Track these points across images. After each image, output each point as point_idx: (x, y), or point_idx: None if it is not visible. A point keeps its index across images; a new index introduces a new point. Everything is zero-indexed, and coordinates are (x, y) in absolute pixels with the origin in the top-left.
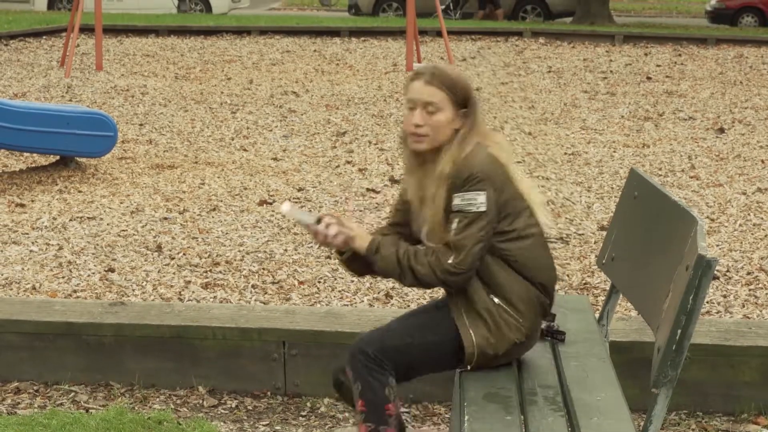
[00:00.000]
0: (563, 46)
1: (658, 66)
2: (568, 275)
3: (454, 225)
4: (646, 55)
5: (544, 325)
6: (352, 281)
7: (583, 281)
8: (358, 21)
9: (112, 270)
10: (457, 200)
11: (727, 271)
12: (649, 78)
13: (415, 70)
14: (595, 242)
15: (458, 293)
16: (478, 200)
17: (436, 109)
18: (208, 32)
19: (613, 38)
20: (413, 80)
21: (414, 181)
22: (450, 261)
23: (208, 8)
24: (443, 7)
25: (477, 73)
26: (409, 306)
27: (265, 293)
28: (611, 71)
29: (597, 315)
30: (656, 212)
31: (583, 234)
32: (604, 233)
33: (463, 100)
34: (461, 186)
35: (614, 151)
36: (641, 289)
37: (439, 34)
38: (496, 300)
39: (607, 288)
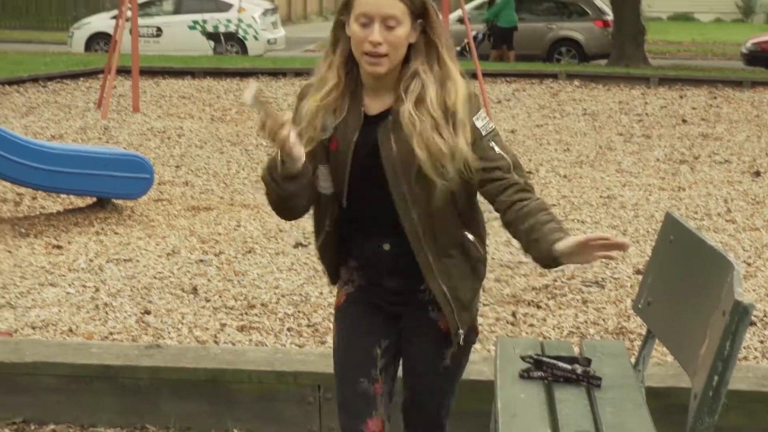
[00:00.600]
0: (598, 88)
1: (694, 109)
2: (603, 319)
3: (497, 148)
4: (681, 97)
5: (579, 369)
6: None
7: (619, 325)
8: None
9: (148, 312)
10: (480, 122)
11: (764, 316)
12: (684, 121)
13: None
14: (630, 286)
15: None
16: (487, 117)
17: (397, 23)
18: (243, 74)
19: (648, 81)
20: None
21: (354, 116)
22: (527, 179)
23: (244, 50)
24: (458, 48)
25: (512, 115)
26: None
27: (301, 336)
28: (646, 114)
29: (633, 360)
30: (692, 257)
31: (618, 278)
32: (640, 277)
33: (420, 10)
34: (474, 108)
35: (650, 195)
36: (678, 334)
37: (474, 75)
38: (473, 239)
39: (644, 332)
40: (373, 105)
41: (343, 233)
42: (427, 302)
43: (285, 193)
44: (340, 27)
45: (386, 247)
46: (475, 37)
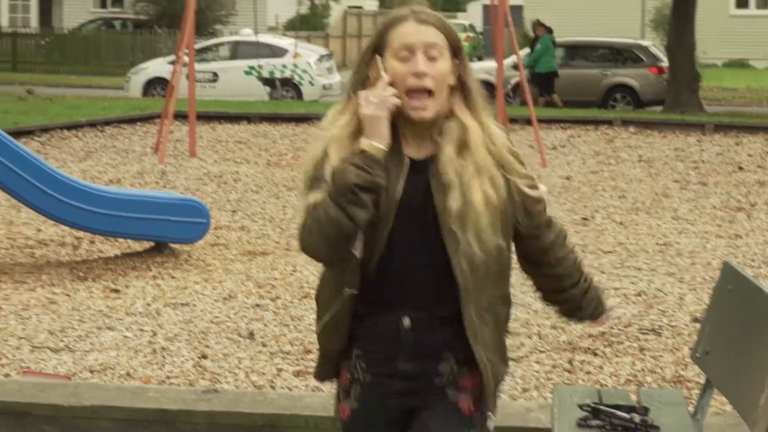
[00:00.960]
0: (654, 134)
1: (750, 156)
2: (661, 367)
3: (546, 214)
4: (737, 144)
5: (638, 418)
6: None
7: (677, 374)
8: None
9: (204, 357)
10: (524, 183)
11: None
12: (740, 168)
13: (389, 15)
14: (688, 334)
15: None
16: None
17: (439, 54)
18: (299, 119)
19: (703, 127)
20: (397, 24)
21: (395, 162)
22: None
23: (300, 95)
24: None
25: (567, 162)
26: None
27: None
28: (702, 161)
29: (691, 409)
30: (751, 306)
31: (675, 325)
32: (698, 325)
33: (457, 46)
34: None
35: (706, 242)
36: (736, 383)
37: (528, 121)
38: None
39: (702, 381)
40: (414, 152)
41: (356, 311)
42: (444, 385)
43: (355, 210)
44: (364, 67)
45: (406, 322)
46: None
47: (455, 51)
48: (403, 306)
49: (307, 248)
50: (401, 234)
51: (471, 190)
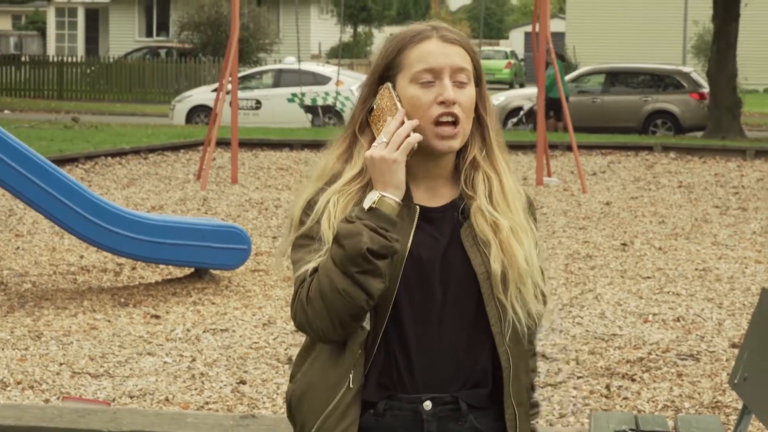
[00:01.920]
0: (694, 160)
1: None
2: (698, 393)
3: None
4: None
5: None
6: None
7: (715, 400)
8: None
9: (243, 382)
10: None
11: None
12: None
13: (404, 32)
14: (726, 360)
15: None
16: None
17: (468, 80)
18: None
19: (744, 153)
20: (416, 43)
21: (404, 211)
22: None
23: (342, 122)
24: (515, 120)
25: (607, 187)
26: None
27: None
28: (743, 186)
29: None
30: None
31: (714, 351)
32: (736, 351)
33: (478, 74)
34: (537, 222)
35: (746, 267)
36: None
37: (569, 147)
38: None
39: (740, 407)
40: (426, 198)
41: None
42: None
43: (370, 281)
44: (372, 97)
45: (428, 406)
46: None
47: (478, 78)
48: (424, 384)
49: (305, 324)
50: (407, 299)
51: (512, 249)
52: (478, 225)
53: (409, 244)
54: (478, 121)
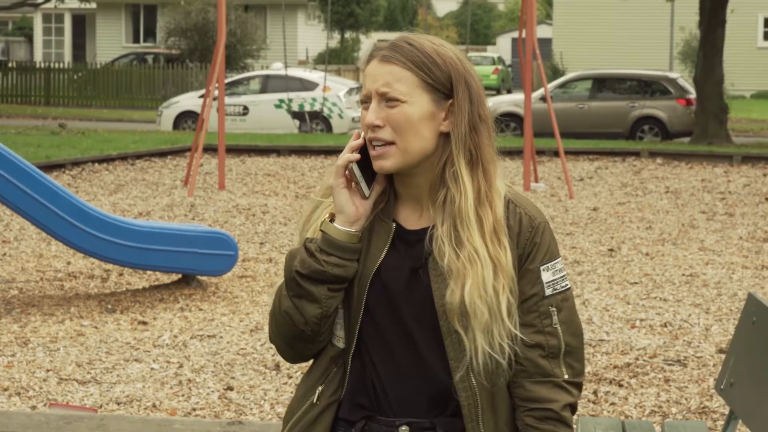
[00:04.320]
0: (681, 166)
1: None
2: (686, 399)
3: (555, 318)
4: (765, 175)
5: None
6: None
7: (702, 405)
8: None
9: (230, 388)
10: (549, 274)
11: None
12: (767, 199)
13: (373, 46)
14: (713, 365)
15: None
16: (563, 269)
17: (401, 98)
18: (328, 152)
19: (731, 159)
20: (368, 63)
21: (381, 226)
22: (575, 379)
23: (329, 128)
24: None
25: (594, 193)
26: None
27: None
28: (729, 192)
29: None
30: None
31: (701, 356)
32: (723, 356)
33: (446, 85)
34: (541, 250)
35: (733, 273)
36: (760, 415)
37: (556, 153)
38: None
39: (727, 413)
40: (408, 219)
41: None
42: None
43: (304, 305)
44: None
45: (404, 430)
46: None
47: (446, 91)
48: (399, 408)
49: (272, 341)
50: (372, 323)
51: (463, 280)
52: (438, 253)
53: (377, 265)
54: (456, 133)
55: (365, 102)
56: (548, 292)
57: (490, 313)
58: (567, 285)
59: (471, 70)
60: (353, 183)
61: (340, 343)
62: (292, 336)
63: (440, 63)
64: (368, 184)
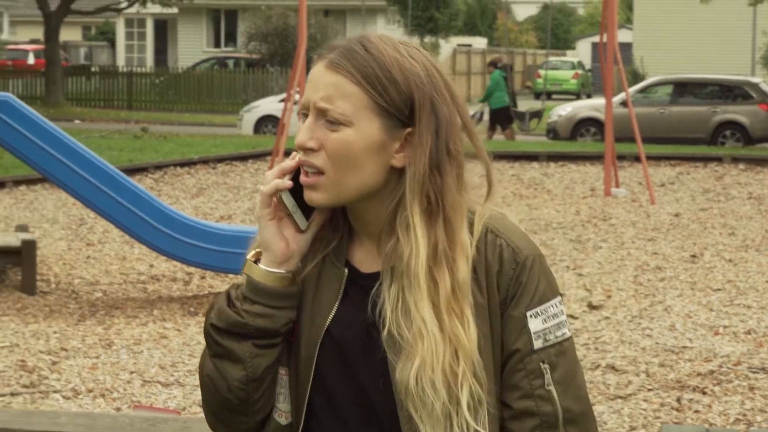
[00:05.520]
0: (764, 171)
1: None
2: None
3: (547, 377)
4: None
5: None
6: None
7: None
8: (556, 145)
9: None
10: (537, 323)
11: None
12: None
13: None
14: None
15: None
16: (560, 313)
17: (343, 120)
18: None
19: None
20: (316, 63)
21: (331, 270)
22: None
23: None
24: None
25: (676, 199)
26: None
27: None
28: None
29: None
30: None
31: None
32: None
33: (405, 107)
34: (528, 291)
35: None
36: None
37: (637, 158)
38: None
39: None
40: (367, 261)
41: None
42: None
43: (225, 366)
44: None
45: None
46: (472, 116)
47: (404, 115)
48: None
49: (205, 414)
50: (324, 389)
51: (416, 360)
52: (381, 320)
53: (329, 320)
54: (413, 170)
55: (304, 113)
56: (538, 344)
57: (444, 407)
58: (565, 334)
59: (444, 90)
60: (285, 213)
61: (284, 419)
62: (217, 405)
63: (400, 80)
64: (306, 213)
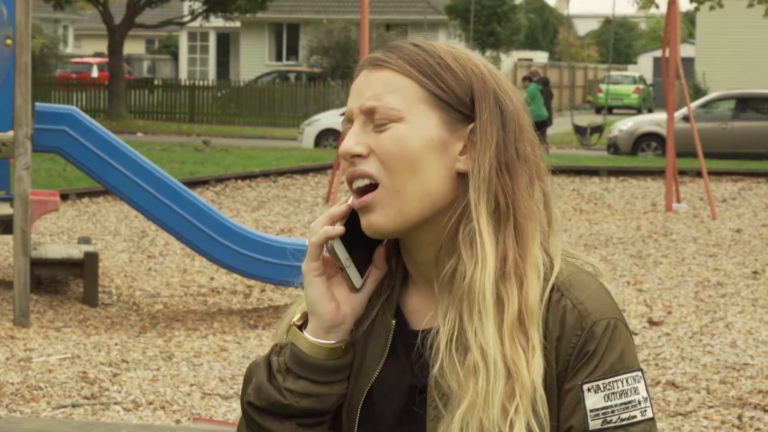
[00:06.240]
0: None
1: None
2: None
3: None
4: None
5: None
6: None
7: None
8: (617, 160)
9: None
10: (596, 399)
11: None
12: None
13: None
14: None
15: None
16: (632, 392)
17: (395, 117)
18: None
19: None
20: (358, 73)
21: (381, 327)
22: None
23: None
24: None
25: (738, 214)
26: None
27: None
28: None
29: None
30: None
31: None
32: None
33: (466, 99)
34: (593, 361)
35: None
36: None
37: (698, 174)
38: None
39: None
40: (420, 314)
41: None
42: None
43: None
44: None
45: None
46: None
47: (465, 110)
48: None
49: None
50: None
51: (462, 405)
52: (432, 365)
53: (371, 382)
54: (479, 172)
55: (347, 129)
56: (594, 425)
57: None
58: (634, 417)
59: (506, 87)
60: (338, 268)
61: None
62: None
63: (456, 68)
64: (361, 269)
